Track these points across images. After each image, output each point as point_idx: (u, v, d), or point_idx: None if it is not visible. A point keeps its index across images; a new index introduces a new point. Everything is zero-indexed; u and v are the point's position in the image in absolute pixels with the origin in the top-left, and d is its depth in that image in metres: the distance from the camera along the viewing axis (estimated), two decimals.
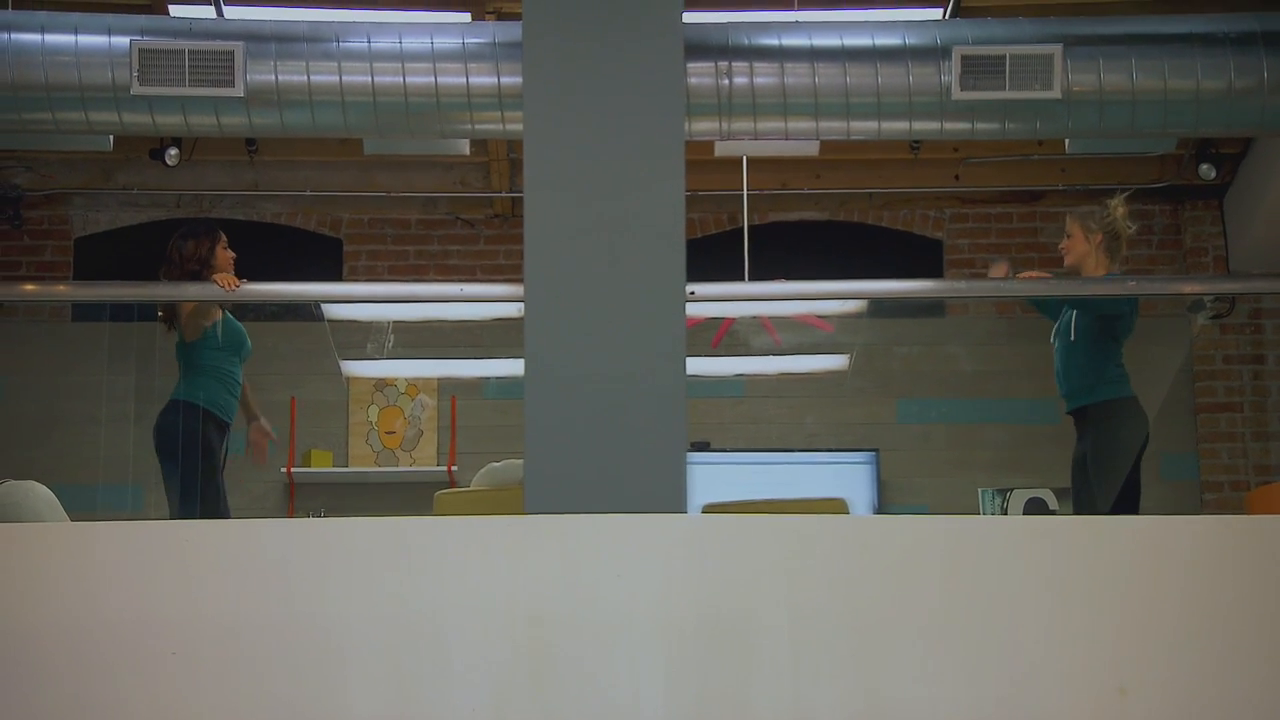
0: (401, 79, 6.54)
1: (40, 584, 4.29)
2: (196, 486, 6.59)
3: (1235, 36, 6.56)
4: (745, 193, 8.27)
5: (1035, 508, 8.04)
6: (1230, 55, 6.53)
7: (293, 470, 9.03)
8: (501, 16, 7.56)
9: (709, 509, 5.37)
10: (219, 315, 6.81)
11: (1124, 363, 6.56)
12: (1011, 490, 8.17)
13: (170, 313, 6.83)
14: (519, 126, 6.34)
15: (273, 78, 6.52)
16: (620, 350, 4.54)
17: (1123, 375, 6.55)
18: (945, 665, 4.23)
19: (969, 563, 4.31)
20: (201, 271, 6.74)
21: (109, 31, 6.51)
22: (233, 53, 6.45)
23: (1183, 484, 9.17)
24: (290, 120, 6.62)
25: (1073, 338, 6.58)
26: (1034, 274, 7.14)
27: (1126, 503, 6.38)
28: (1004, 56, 6.48)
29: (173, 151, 8.64)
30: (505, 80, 6.53)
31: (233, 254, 6.82)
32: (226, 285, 6.60)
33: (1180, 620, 4.26)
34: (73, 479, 7.90)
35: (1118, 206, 6.64)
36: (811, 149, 8.53)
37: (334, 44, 6.55)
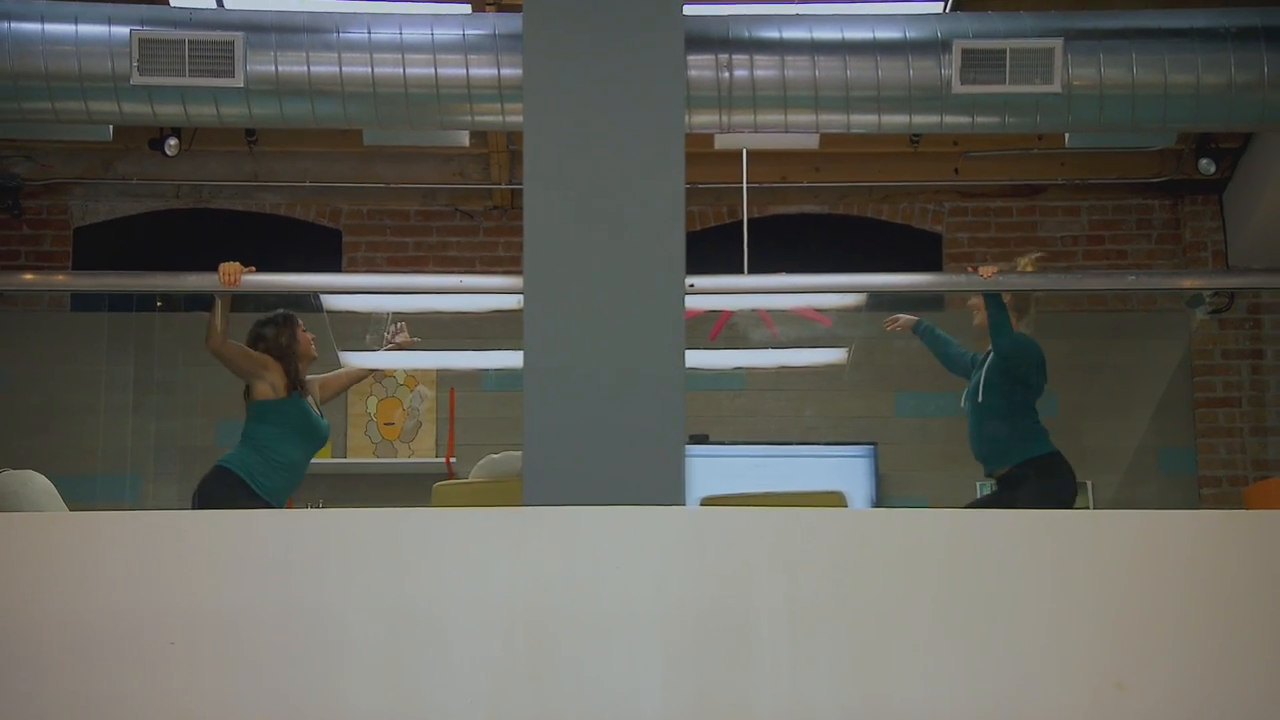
0: (401, 70, 6.53)
1: (38, 573, 4.28)
2: None
3: (1236, 31, 6.56)
4: (745, 185, 8.27)
5: None
6: (1231, 50, 6.52)
7: None
8: (502, 8, 7.54)
9: (707, 501, 5.38)
10: (282, 394, 6.42)
11: (1040, 420, 6.50)
12: None
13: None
14: (519, 118, 6.34)
15: (273, 68, 6.51)
16: (619, 343, 4.54)
17: (1041, 431, 6.50)
18: (943, 658, 4.23)
19: (967, 556, 4.31)
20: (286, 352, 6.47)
21: (109, 21, 6.50)
22: (233, 43, 6.44)
23: (1181, 479, 9.17)
24: (290, 111, 6.61)
25: (981, 399, 6.52)
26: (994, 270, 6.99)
27: None
28: (1004, 50, 6.48)
29: (172, 142, 8.61)
30: (505, 72, 6.52)
31: (312, 335, 6.60)
32: (228, 279, 6.14)
33: (1179, 615, 4.26)
34: (71, 469, 7.89)
35: (1027, 265, 6.58)
36: (811, 142, 8.51)
37: (334, 34, 6.54)
